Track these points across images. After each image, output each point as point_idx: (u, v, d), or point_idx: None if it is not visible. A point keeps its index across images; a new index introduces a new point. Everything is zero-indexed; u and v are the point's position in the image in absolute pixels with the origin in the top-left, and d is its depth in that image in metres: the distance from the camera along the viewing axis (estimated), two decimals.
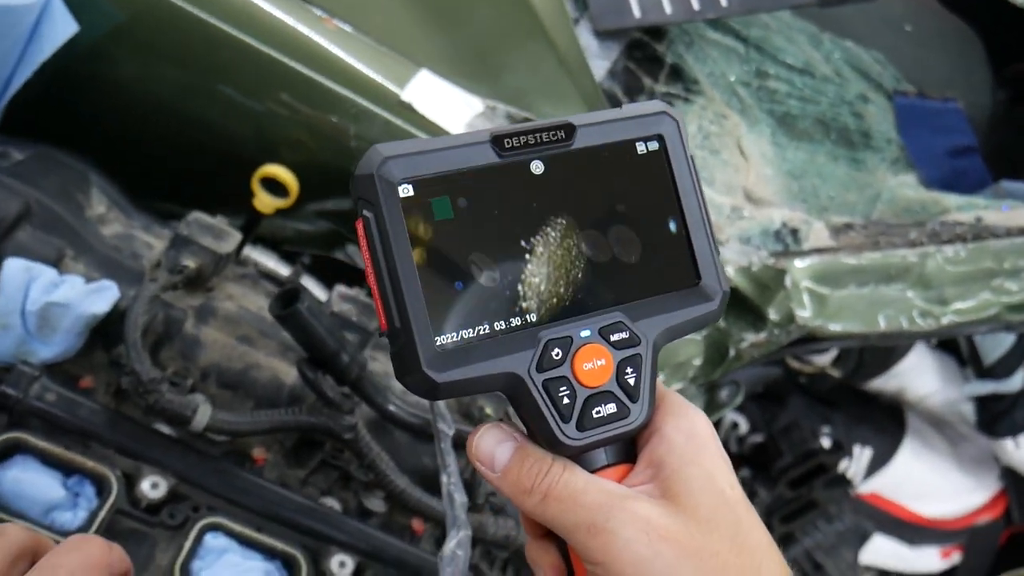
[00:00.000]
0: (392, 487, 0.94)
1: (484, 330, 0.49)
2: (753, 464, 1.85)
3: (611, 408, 0.50)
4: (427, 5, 1.17)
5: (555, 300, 0.50)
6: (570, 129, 0.52)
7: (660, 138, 0.54)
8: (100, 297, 0.90)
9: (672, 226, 0.54)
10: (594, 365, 0.50)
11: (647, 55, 1.39)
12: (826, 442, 1.80)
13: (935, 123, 1.52)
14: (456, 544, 0.74)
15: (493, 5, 1.19)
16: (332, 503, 0.96)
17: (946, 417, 1.97)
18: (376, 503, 0.98)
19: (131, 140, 1.18)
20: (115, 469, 0.84)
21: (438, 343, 0.47)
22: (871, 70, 1.58)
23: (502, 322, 0.49)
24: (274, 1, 1.11)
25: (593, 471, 0.51)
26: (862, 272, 1.28)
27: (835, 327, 1.25)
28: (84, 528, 0.81)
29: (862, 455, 1.95)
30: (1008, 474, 2.00)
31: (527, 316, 0.50)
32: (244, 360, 0.97)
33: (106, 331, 0.92)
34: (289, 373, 0.98)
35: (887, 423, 1.97)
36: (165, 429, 0.91)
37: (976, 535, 2.04)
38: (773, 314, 1.21)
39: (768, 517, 1.70)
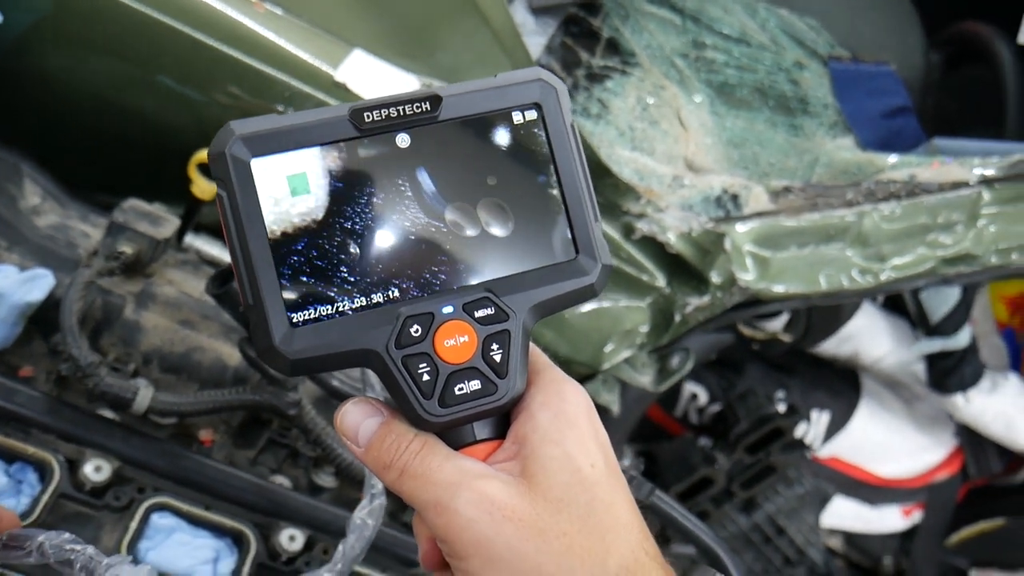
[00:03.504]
0: (339, 460, 0.94)
1: (343, 306, 0.49)
2: (713, 433, 1.88)
3: (475, 385, 0.50)
4: None
5: (419, 276, 0.50)
6: (436, 100, 0.51)
7: (537, 107, 0.53)
8: (35, 285, 0.90)
9: (548, 198, 0.53)
10: (456, 342, 0.50)
11: (583, 30, 1.40)
12: (781, 407, 1.83)
13: (870, 86, 1.55)
14: (367, 513, 0.75)
15: None
16: (282, 481, 0.97)
17: (900, 378, 2.00)
18: (326, 479, 0.99)
19: (65, 132, 1.18)
20: (57, 454, 0.85)
21: (293, 319, 0.48)
22: (806, 37, 1.60)
23: (362, 298, 0.49)
24: None
25: (461, 447, 0.51)
26: (801, 233, 1.30)
27: (778, 288, 1.27)
28: (27, 514, 0.81)
29: (820, 419, 1.98)
30: (962, 430, 2.03)
31: (388, 292, 0.50)
32: (186, 343, 0.97)
33: (44, 320, 0.92)
34: (232, 355, 0.99)
35: (842, 387, 2.00)
36: (109, 415, 0.92)
37: (935, 492, 2.08)
38: (715, 277, 1.23)
39: (728, 483, 1.73)
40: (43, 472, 0.84)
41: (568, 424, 0.50)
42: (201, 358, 0.97)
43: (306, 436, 0.95)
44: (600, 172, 1.19)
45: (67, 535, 0.70)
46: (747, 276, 1.24)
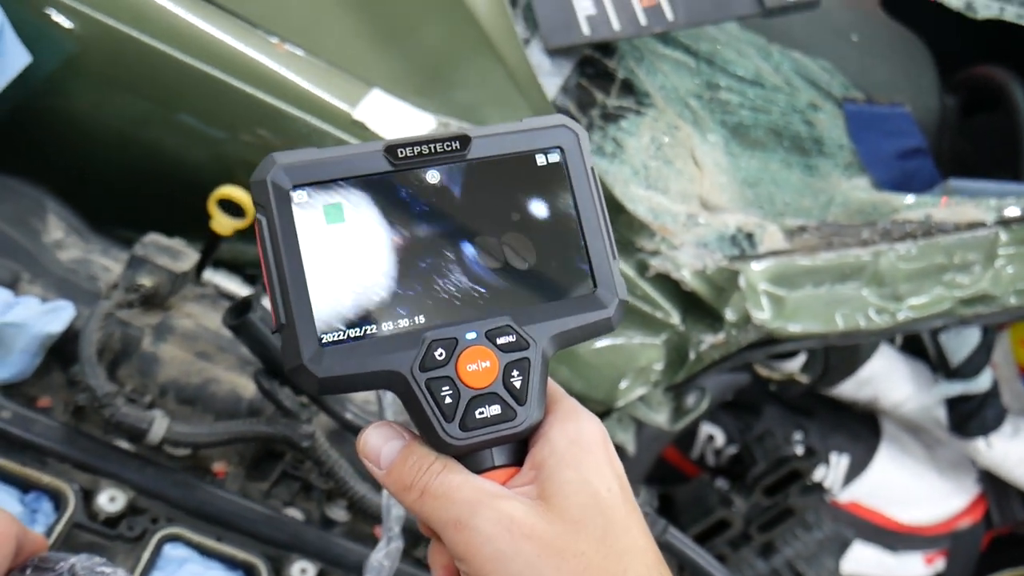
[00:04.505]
0: (352, 493, 0.94)
1: (371, 330, 0.51)
2: (730, 475, 1.86)
3: (496, 410, 0.52)
4: (377, 26, 1.20)
5: (444, 303, 0.52)
6: (465, 140, 0.54)
7: (560, 150, 0.56)
8: (55, 317, 0.91)
9: (569, 235, 0.55)
10: (478, 367, 0.52)
11: (599, 71, 1.42)
12: (799, 449, 1.81)
13: (884, 127, 1.56)
14: (384, 555, 0.76)
15: (442, 24, 1.22)
16: (295, 514, 0.97)
17: (921, 422, 1.98)
18: (339, 512, 0.99)
19: (89, 169, 1.20)
20: (72, 484, 0.85)
21: (323, 340, 0.49)
22: (820, 79, 1.62)
23: (390, 323, 0.51)
24: (226, 28, 1.14)
25: (480, 471, 0.52)
26: (817, 272, 1.30)
27: (794, 328, 1.27)
28: None
29: (839, 463, 1.96)
30: (985, 477, 2.00)
31: (415, 318, 0.52)
32: (202, 375, 0.98)
33: (63, 351, 0.93)
34: (248, 387, 1.00)
35: (862, 430, 1.98)
36: (125, 445, 0.92)
37: (958, 540, 2.04)
38: (730, 315, 1.23)
39: (746, 526, 1.70)
40: (58, 501, 0.85)
41: (584, 450, 0.52)
42: (216, 390, 0.98)
43: (319, 469, 0.95)
44: (615, 210, 1.20)
45: (98, 558, 0.70)
46: (762, 315, 1.24)
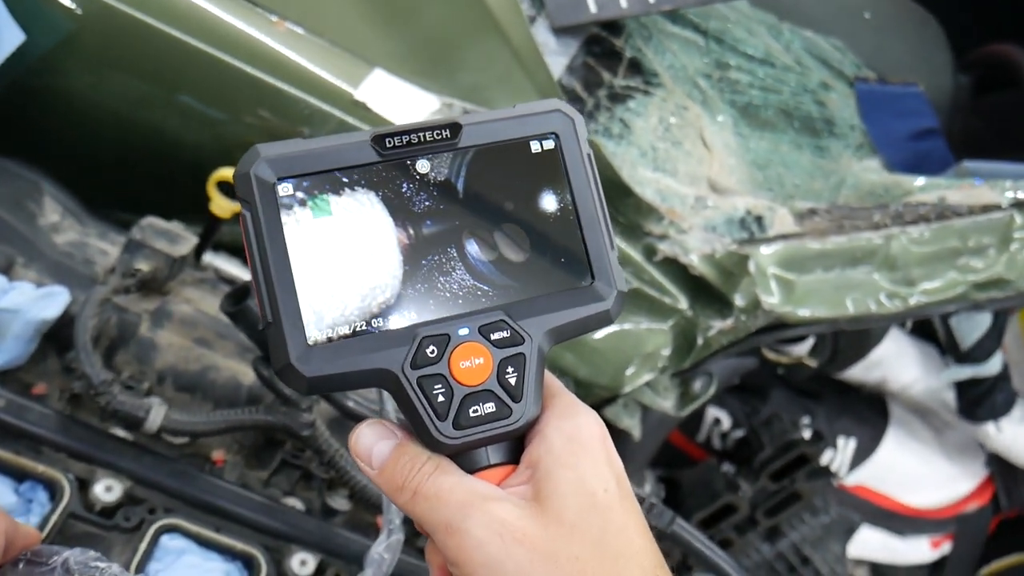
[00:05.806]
0: (353, 483, 0.93)
1: (360, 326, 0.49)
2: (736, 459, 1.85)
3: (490, 407, 0.50)
4: (379, 4, 1.17)
5: (436, 298, 0.50)
6: (456, 128, 0.52)
7: (555, 136, 0.54)
8: (51, 302, 0.89)
9: (566, 225, 0.54)
10: (472, 363, 0.50)
11: (605, 50, 1.39)
12: (807, 433, 1.79)
13: (897, 107, 1.53)
14: (385, 548, 0.74)
15: (446, 2, 1.19)
16: (295, 503, 0.96)
17: (929, 405, 1.96)
18: (340, 502, 0.98)
19: (86, 150, 1.18)
20: (68, 473, 0.84)
21: (311, 339, 0.48)
22: (831, 58, 1.59)
23: (380, 319, 0.49)
24: (226, 7, 1.11)
25: (475, 471, 0.51)
26: (828, 256, 1.28)
27: (804, 312, 1.25)
28: None
29: (846, 447, 1.94)
30: (994, 460, 1.99)
31: (406, 314, 0.50)
32: (201, 362, 0.96)
33: (58, 337, 0.92)
34: (247, 374, 0.98)
35: (870, 414, 1.97)
36: (122, 433, 0.91)
37: (965, 523, 2.03)
38: (739, 300, 1.21)
39: (752, 511, 1.69)
40: (53, 491, 0.83)
41: (582, 448, 0.50)
42: (216, 377, 0.96)
43: (320, 457, 0.94)
44: (622, 193, 1.18)
45: (92, 552, 0.69)
46: (772, 299, 1.22)
